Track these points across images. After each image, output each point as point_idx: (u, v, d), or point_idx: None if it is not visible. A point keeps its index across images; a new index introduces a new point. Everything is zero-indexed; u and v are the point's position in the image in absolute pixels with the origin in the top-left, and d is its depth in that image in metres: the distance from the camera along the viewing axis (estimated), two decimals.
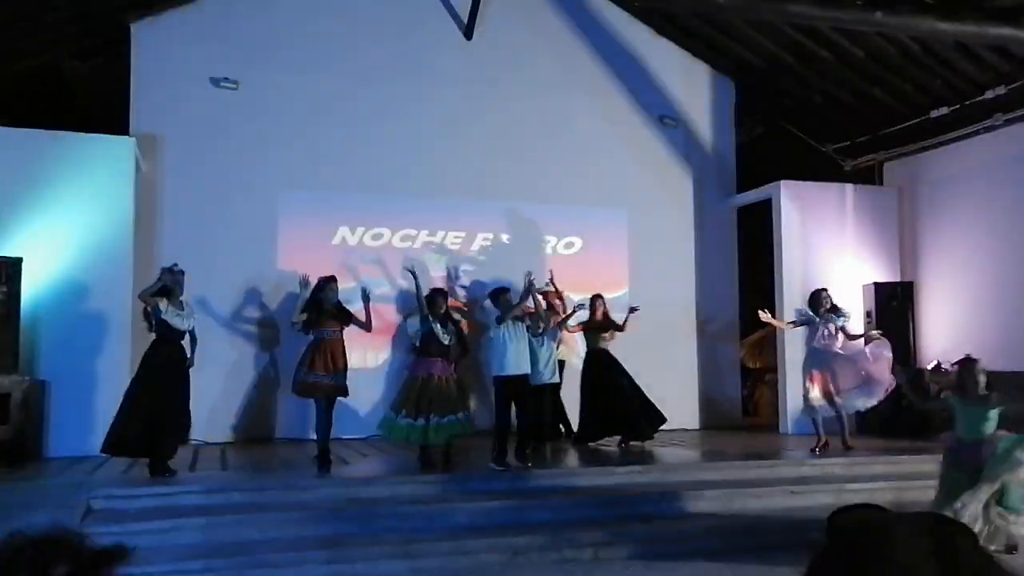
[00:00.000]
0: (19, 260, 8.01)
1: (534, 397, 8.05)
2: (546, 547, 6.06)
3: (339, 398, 7.67)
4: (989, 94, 9.66)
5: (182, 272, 7.16)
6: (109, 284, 8.44)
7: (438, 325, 7.51)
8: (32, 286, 8.14)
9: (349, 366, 7.69)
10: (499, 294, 7.99)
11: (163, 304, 6.93)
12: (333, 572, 5.59)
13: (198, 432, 8.93)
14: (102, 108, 10.80)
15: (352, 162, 10.12)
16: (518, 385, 7.69)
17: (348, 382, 7.63)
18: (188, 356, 7.17)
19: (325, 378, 7.42)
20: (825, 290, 9.08)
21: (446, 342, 7.52)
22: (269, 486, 6.71)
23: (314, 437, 7.81)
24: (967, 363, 6.17)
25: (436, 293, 7.89)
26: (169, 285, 6.99)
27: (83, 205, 8.48)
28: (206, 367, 8.89)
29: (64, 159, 8.48)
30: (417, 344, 7.95)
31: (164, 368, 6.91)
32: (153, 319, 6.98)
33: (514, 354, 7.64)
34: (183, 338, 7.11)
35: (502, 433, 7.57)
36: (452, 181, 10.42)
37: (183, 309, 7.10)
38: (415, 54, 10.51)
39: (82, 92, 10.50)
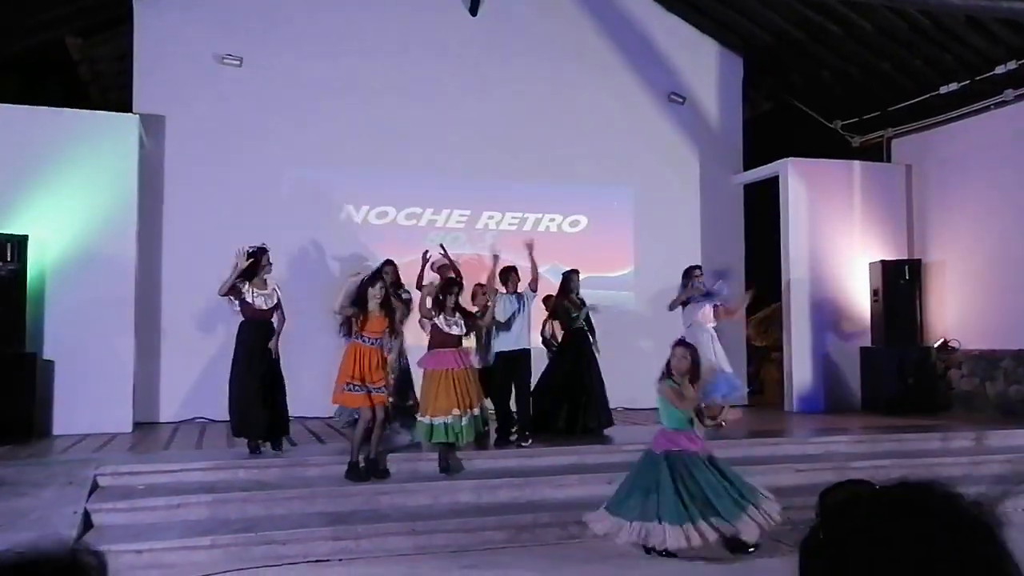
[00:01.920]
0: (25, 237, 8.01)
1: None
2: (551, 524, 6.08)
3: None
4: (1000, 69, 9.54)
5: (264, 251, 7.03)
6: (113, 261, 8.43)
7: (440, 316, 6.87)
8: (38, 263, 8.15)
9: None
10: (505, 273, 7.95)
11: (245, 286, 6.92)
12: (338, 548, 5.62)
13: (206, 410, 9.00)
14: (105, 86, 10.77)
15: (357, 139, 10.06)
16: (514, 361, 7.52)
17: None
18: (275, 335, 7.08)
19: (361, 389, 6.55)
20: (699, 267, 8.85)
21: (455, 332, 6.90)
22: (274, 463, 6.73)
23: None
24: (681, 344, 5.67)
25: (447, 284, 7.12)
26: (252, 263, 6.92)
27: (87, 183, 8.46)
28: (209, 346, 8.92)
29: (68, 137, 8.46)
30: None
31: (254, 348, 6.94)
32: (236, 301, 6.97)
33: (507, 329, 7.55)
34: (271, 316, 7.06)
35: (500, 410, 7.57)
36: (457, 159, 10.36)
37: (266, 288, 7.04)
38: (420, 29, 10.42)
39: (85, 70, 10.45)
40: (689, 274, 8.72)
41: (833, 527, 0.92)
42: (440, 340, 6.87)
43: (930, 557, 0.85)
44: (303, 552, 5.54)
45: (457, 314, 6.98)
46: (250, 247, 7.01)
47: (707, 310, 8.58)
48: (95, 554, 0.86)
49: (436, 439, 6.68)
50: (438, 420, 6.63)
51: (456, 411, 6.63)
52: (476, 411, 6.79)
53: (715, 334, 8.56)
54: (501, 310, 7.59)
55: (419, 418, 6.84)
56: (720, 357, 8.43)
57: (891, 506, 0.91)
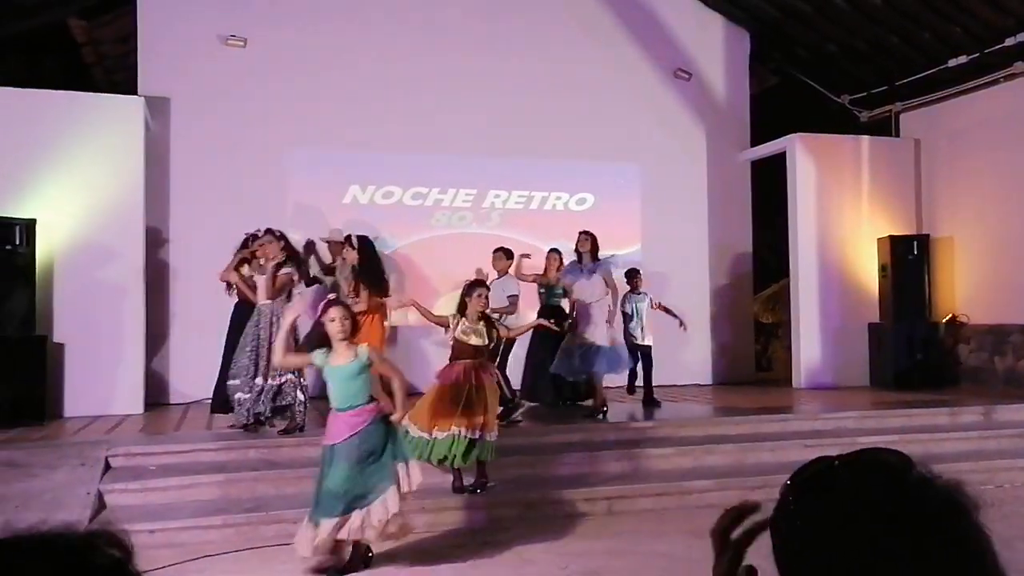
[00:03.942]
0: (33, 221, 8.03)
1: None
2: (560, 501, 6.11)
3: None
4: (1009, 41, 9.44)
5: (255, 237, 7.44)
6: (121, 244, 8.47)
7: (461, 322, 5.96)
8: (46, 247, 8.17)
9: None
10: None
11: (244, 269, 7.38)
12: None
13: (208, 392, 9.04)
14: (109, 67, 10.74)
15: (362, 119, 10.03)
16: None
17: None
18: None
19: None
20: (584, 232, 8.29)
21: (474, 342, 5.91)
22: (285, 443, 6.76)
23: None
24: (336, 305, 4.82)
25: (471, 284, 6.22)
26: (252, 249, 7.39)
27: (94, 166, 8.47)
28: (219, 327, 8.94)
29: (75, 120, 8.45)
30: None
31: (244, 327, 7.24)
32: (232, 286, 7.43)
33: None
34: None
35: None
36: (462, 138, 10.33)
37: (265, 272, 7.36)
38: (423, 7, 10.36)
39: (88, 51, 10.42)
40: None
41: (802, 500, 0.94)
42: (456, 351, 5.95)
43: (903, 527, 0.86)
44: None
45: (481, 322, 5.93)
46: (247, 233, 7.51)
47: (598, 281, 7.96)
48: (120, 534, 0.86)
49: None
50: (414, 431, 5.65)
51: (438, 430, 5.67)
52: (466, 432, 5.68)
53: (610, 306, 7.96)
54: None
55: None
56: (612, 330, 7.95)
57: (863, 475, 0.93)
